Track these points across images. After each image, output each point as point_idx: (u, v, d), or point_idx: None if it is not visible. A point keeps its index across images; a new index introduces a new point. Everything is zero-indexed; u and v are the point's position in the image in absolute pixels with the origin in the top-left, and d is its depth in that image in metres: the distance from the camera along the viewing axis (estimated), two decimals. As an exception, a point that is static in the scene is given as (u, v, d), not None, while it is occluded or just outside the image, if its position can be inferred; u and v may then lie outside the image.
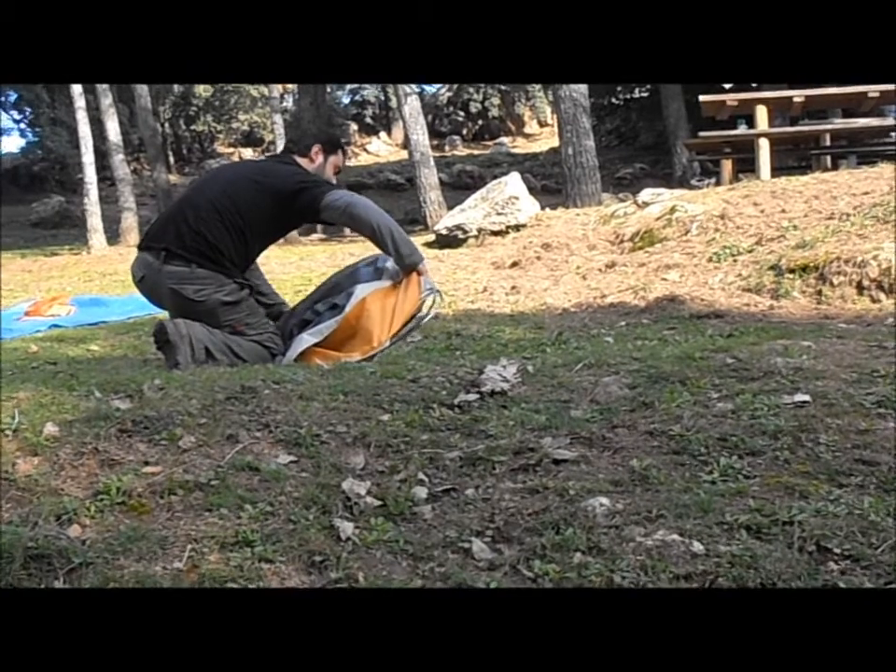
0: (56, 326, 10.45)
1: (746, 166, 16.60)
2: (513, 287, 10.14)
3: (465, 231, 14.01)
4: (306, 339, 5.38)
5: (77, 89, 22.60)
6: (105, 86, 24.01)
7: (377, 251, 5.64)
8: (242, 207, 5.44)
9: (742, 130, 15.84)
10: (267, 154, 25.95)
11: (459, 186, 28.64)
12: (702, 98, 16.05)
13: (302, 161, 5.77)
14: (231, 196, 5.47)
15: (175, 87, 38.92)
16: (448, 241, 14.10)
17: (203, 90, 39.35)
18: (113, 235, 23.42)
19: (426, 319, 5.72)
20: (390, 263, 5.58)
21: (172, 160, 38.29)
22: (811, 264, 8.09)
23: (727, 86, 16.85)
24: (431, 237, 15.18)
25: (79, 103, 22.64)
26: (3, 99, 36.73)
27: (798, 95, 15.29)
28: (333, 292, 5.72)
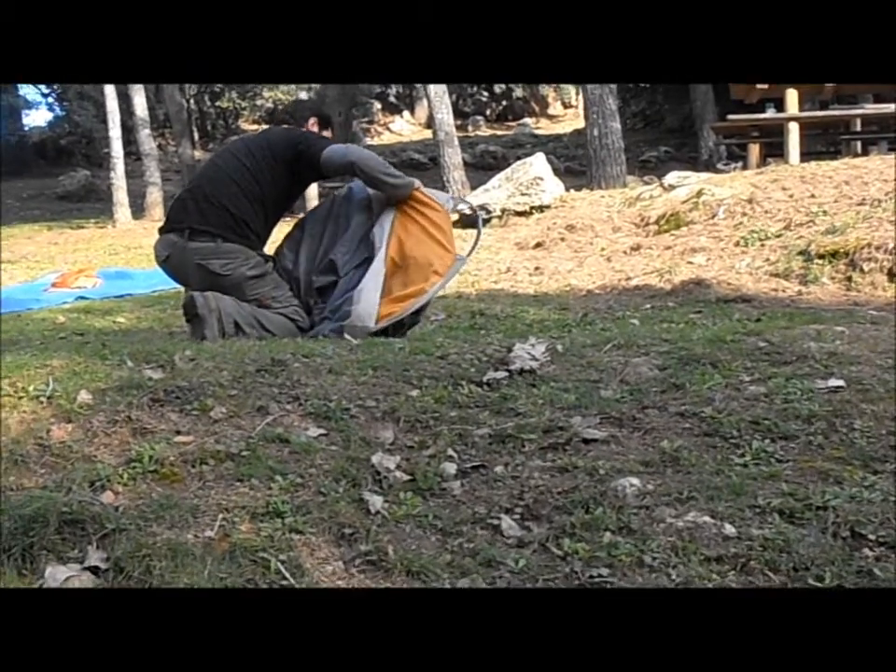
0: (82, 297, 10.54)
1: (773, 150, 16.52)
2: (537, 268, 10.12)
3: (489, 212, 13.96)
4: (364, 304, 5.34)
5: (104, 63, 22.61)
6: (132, 60, 24.00)
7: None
8: (258, 176, 5.53)
9: (771, 114, 15.74)
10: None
11: (482, 166, 28.56)
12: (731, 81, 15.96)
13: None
14: (246, 167, 5.55)
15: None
16: (472, 221, 14.06)
17: (228, 66, 39.30)
18: (138, 209, 23.48)
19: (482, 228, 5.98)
20: (365, 191, 5.70)
21: (197, 135, 38.25)
22: (841, 250, 8.05)
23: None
24: (454, 217, 15.15)
25: (107, 77, 22.67)
26: (31, 73, 36.75)
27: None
28: (331, 248, 5.71)
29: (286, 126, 5.87)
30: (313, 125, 6.02)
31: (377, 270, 5.35)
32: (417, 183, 5.62)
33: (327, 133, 6.01)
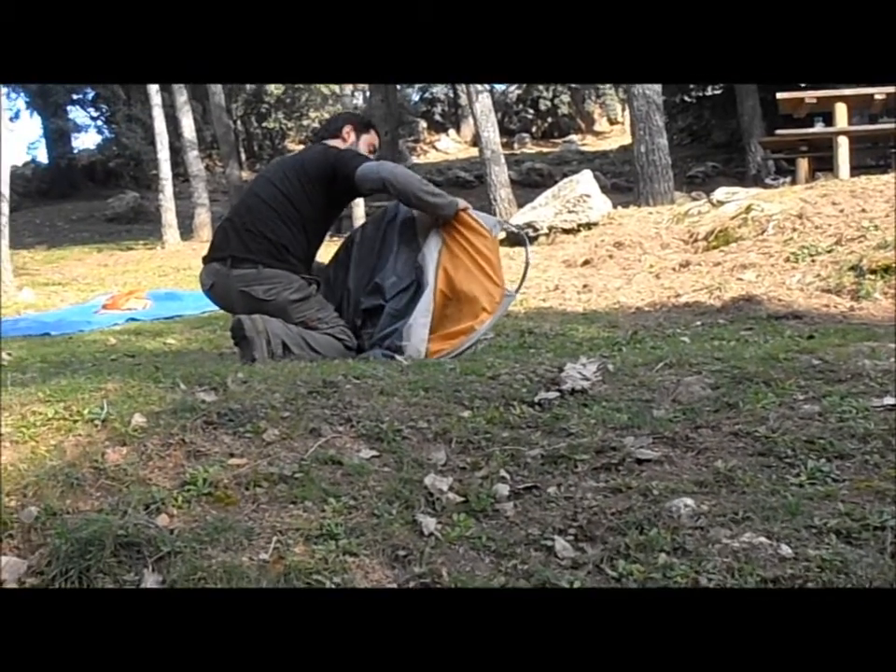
0: (133, 319, 10.65)
1: (823, 165, 16.41)
2: (585, 286, 10.12)
3: (536, 229, 13.96)
4: (415, 340, 5.32)
5: (153, 86, 22.86)
6: (180, 83, 24.23)
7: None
8: (294, 199, 5.56)
9: (820, 128, 15.65)
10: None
11: (528, 183, 28.57)
12: (779, 95, 15.88)
13: (335, 143, 5.88)
14: (282, 192, 5.58)
15: (248, 84, 39.17)
16: (518, 239, 14.04)
17: (274, 87, 39.55)
18: (186, 231, 23.66)
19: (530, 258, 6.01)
20: (410, 211, 5.70)
21: (244, 156, 38.52)
22: (893, 265, 8.00)
23: (803, 83, 16.68)
24: (502, 235, 15.15)
25: (155, 100, 22.91)
26: (80, 96, 37.07)
27: (879, 92, 15.08)
28: (377, 270, 5.69)
29: (322, 144, 5.83)
30: (349, 133, 5.96)
31: (426, 304, 5.34)
32: (463, 204, 5.59)
33: (367, 137, 5.98)
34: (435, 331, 5.34)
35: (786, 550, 2.46)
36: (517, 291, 5.92)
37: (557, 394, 3.76)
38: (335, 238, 12.02)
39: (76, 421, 3.22)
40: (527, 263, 5.99)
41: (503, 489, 2.95)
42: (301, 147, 41.15)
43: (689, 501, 2.76)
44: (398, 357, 4.95)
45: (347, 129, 5.96)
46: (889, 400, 3.40)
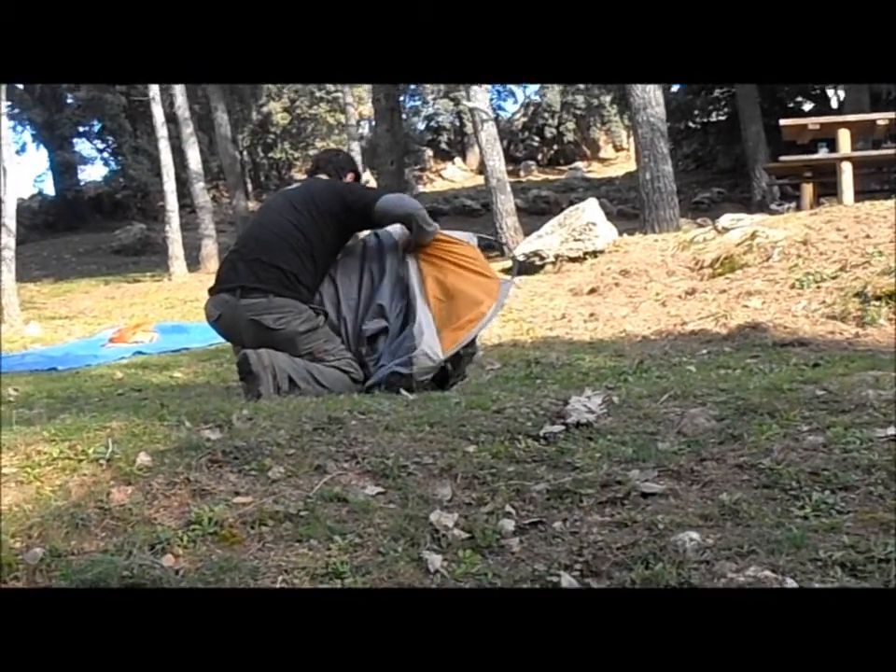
0: (140, 353, 10.66)
1: (827, 190, 16.43)
2: (592, 314, 10.12)
3: (542, 258, 13.97)
4: (427, 336, 5.38)
5: (159, 118, 22.97)
6: (187, 115, 24.37)
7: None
8: (304, 230, 5.58)
9: (824, 153, 15.67)
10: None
11: (535, 211, 28.61)
12: (783, 122, 15.91)
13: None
14: (291, 222, 5.61)
15: (254, 115, 39.30)
16: (525, 267, 14.08)
17: (280, 118, 39.73)
18: (193, 262, 23.71)
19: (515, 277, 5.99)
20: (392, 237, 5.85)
21: (250, 186, 38.62)
22: (898, 291, 7.99)
23: (807, 108, 16.70)
24: (508, 263, 15.18)
25: (161, 132, 23.02)
26: (86, 129, 37.22)
27: (882, 118, 15.11)
28: (375, 295, 5.74)
29: (325, 178, 5.90)
30: (350, 180, 6.11)
31: (423, 310, 5.40)
32: (437, 227, 5.79)
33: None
34: (443, 328, 5.40)
35: (791, 583, 2.45)
36: (513, 278, 6.02)
37: (563, 427, 3.76)
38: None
39: (80, 460, 3.23)
40: (511, 254, 6.10)
41: (509, 524, 2.94)
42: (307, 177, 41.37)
43: (694, 535, 2.75)
44: (402, 392, 4.96)
45: (351, 176, 6.10)
46: (892, 431, 3.39)
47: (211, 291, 5.73)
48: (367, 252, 5.88)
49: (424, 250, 5.69)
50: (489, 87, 25.62)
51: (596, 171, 40.24)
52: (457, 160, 43.86)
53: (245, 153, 39.91)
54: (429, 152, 43.50)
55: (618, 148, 43.68)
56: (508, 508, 3.06)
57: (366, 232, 6.00)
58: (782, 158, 16.60)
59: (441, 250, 5.68)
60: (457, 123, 43.89)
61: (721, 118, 32.44)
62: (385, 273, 5.71)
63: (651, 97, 17.12)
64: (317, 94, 39.50)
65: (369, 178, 7.27)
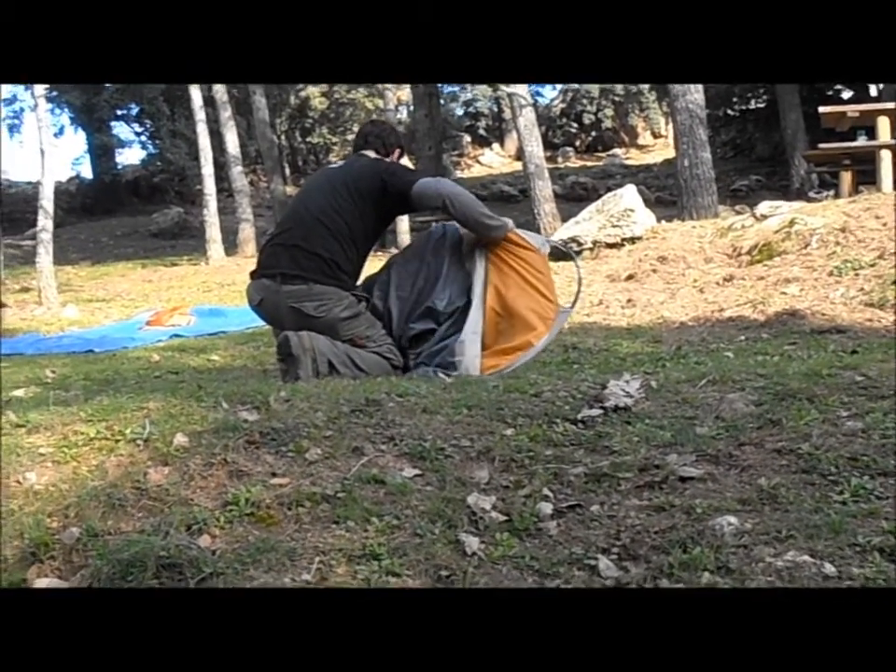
0: (177, 336, 10.69)
1: (866, 178, 16.32)
2: (629, 300, 10.09)
3: (580, 244, 13.93)
4: (469, 347, 5.33)
5: (197, 102, 23.00)
6: (225, 99, 24.38)
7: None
8: (345, 214, 5.53)
9: (863, 141, 15.56)
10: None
11: (573, 197, 28.57)
12: (822, 109, 15.83)
13: (379, 158, 5.92)
14: (332, 206, 5.55)
15: (292, 99, 39.32)
16: (563, 253, 14.02)
17: (318, 102, 39.74)
18: (230, 246, 23.75)
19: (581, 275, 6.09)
20: (457, 232, 5.72)
21: (288, 171, 38.69)
22: (935, 278, 7.95)
23: (846, 96, 16.59)
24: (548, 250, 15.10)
25: (199, 115, 23.03)
26: (124, 112, 37.30)
27: (922, 106, 15.01)
28: (427, 294, 5.65)
29: (371, 156, 5.82)
30: (397, 156, 6.06)
31: (476, 320, 5.35)
32: (511, 224, 5.62)
33: (404, 161, 6.00)
34: (489, 347, 5.35)
35: (829, 568, 2.44)
36: (572, 307, 5.94)
37: (600, 411, 3.75)
38: (379, 253, 12.02)
39: (118, 441, 3.24)
40: (580, 280, 6.01)
41: (546, 508, 2.94)
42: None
43: (732, 519, 2.74)
44: (440, 374, 4.95)
45: (398, 152, 6.02)
46: (932, 417, 3.38)
47: (252, 275, 5.73)
48: (430, 244, 5.82)
49: (494, 250, 5.59)
50: (527, 73, 25.54)
51: (634, 157, 40.10)
52: (495, 145, 43.80)
53: (282, 137, 39.97)
54: (467, 138, 43.45)
55: (656, 135, 43.50)
56: (545, 491, 3.06)
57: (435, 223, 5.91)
58: (821, 145, 16.49)
59: (512, 255, 5.56)
60: (495, 109, 43.84)
61: (759, 105, 32.27)
62: (442, 270, 5.63)
63: (689, 84, 17.01)
64: (356, 79, 39.43)
65: (407, 163, 7.28)
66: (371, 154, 5.88)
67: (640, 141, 43.61)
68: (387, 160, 5.89)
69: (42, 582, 2.46)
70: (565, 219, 16.80)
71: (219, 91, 24.37)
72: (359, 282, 5.80)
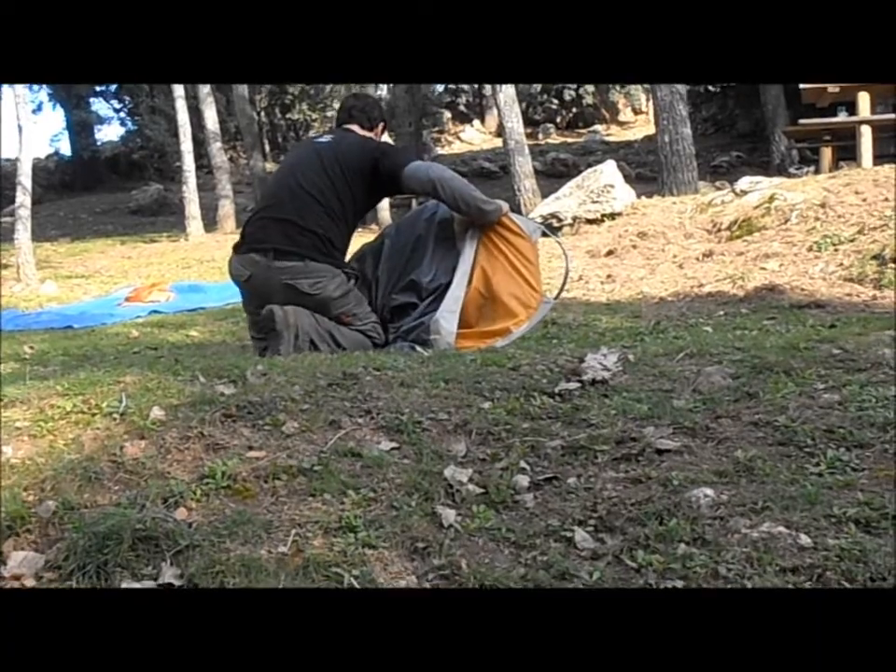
0: (156, 312, 10.70)
1: (846, 154, 16.37)
2: (609, 276, 10.12)
3: (560, 220, 13.94)
4: (445, 325, 5.31)
5: (175, 77, 22.90)
6: (203, 74, 24.24)
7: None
8: (338, 193, 5.50)
9: (843, 117, 15.60)
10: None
11: (553, 174, 28.51)
12: (802, 85, 15.86)
13: (364, 133, 5.89)
14: (326, 185, 5.51)
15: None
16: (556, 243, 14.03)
17: (297, 77, 39.63)
18: (210, 223, 23.72)
19: (569, 272, 6.20)
20: (448, 211, 5.68)
21: (267, 147, 38.58)
22: (915, 253, 7.97)
23: (827, 73, 16.53)
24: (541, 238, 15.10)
25: (178, 92, 23.00)
26: (103, 88, 37.16)
27: (902, 82, 15.03)
28: (412, 268, 5.67)
29: (357, 132, 5.78)
30: (381, 130, 6.04)
31: (454, 298, 5.34)
32: (506, 207, 5.60)
33: (385, 137, 5.98)
34: (469, 326, 5.35)
35: (805, 539, 2.45)
36: (556, 298, 5.93)
37: (578, 384, 3.75)
38: (359, 230, 12.00)
39: (94, 415, 3.23)
40: (567, 271, 6.01)
41: (523, 480, 2.94)
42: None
43: (708, 491, 2.75)
44: (418, 349, 4.95)
45: (382, 126, 6.00)
46: (908, 389, 3.39)
47: (236, 249, 5.68)
48: (424, 217, 5.82)
49: (487, 233, 5.56)
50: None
51: (615, 134, 40.02)
52: (476, 122, 43.68)
53: (262, 114, 39.83)
54: (448, 114, 43.33)
55: (637, 112, 43.41)
56: (522, 464, 3.06)
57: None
58: (801, 121, 16.55)
59: (503, 240, 5.56)
60: (476, 85, 43.73)
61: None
62: (432, 247, 5.64)
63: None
64: (336, 55, 39.32)
65: (387, 139, 7.26)
66: (356, 128, 5.84)
67: (621, 118, 43.50)
68: (371, 134, 5.86)
69: (18, 556, 2.46)
70: (545, 195, 16.81)
71: (199, 66, 24.26)
72: (348, 258, 5.77)
